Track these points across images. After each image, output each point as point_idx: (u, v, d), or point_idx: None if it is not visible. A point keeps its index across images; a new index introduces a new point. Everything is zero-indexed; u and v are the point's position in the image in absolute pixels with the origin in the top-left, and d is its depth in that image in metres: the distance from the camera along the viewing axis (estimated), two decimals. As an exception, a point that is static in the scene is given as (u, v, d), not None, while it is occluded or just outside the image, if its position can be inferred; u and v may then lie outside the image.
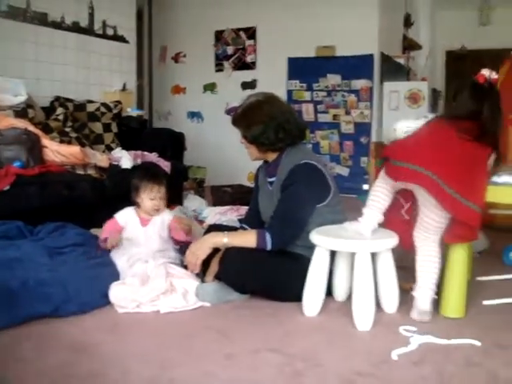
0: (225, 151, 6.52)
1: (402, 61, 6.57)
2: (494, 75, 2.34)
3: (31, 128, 3.50)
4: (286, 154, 2.52)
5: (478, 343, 2.02)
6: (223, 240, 2.38)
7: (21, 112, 3.68)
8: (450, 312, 2.31)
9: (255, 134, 2.47)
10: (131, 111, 5.08)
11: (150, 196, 2.67)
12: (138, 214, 2.72)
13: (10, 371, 1.77)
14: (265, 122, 2.45)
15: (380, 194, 2.41)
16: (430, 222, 2.31)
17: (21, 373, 1.76)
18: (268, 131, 2.45)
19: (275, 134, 2.45)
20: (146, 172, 2.87)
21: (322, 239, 2.26)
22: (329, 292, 2.43)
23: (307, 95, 6.35)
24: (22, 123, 3.48)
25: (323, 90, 6.25)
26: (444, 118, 2.42)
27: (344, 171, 6.21)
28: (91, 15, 4.95)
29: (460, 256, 2.30)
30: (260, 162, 2.73)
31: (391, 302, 2.36)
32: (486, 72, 2.33)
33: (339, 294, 2.50)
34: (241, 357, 1.89)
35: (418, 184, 2.22)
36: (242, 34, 6.65)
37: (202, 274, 2.57)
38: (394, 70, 6.33)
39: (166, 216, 2.75)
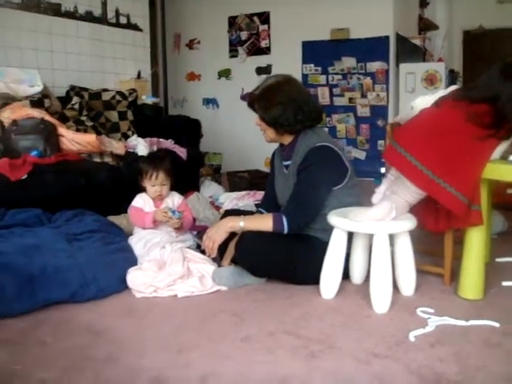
0: (241, 137, 6.50)
1: (417, 42, 6.47)
2: None
3: (47, 117, 3.51)
4: (302, 136, 2.48)
5: (496, 324, 2.00)
6: (239, 224, 2.37)
7: (37, 102, 3.70)
8: (468, 293, 2.28)
9: (275, 115, 2.42)
10: (146, 99, 5.08)
11: (151, 183, 2.72)
12: (149, 197, 2.78)
13: (29, 353, 1.79)
14: (284, 103, 2.40)
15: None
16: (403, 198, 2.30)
17: (40, 354, 1.78)
18: (287, 112, 2.41)
19: (294, 115, 2.41)
20: (147, 158, 2.94)
21: (340, 221, 2.24)
22: (346, 275, 2.41)
23: (322, 79, 6.28)
24: (38, 113, 3.50)
25: (338, 73, 6.18)
26: (459, 97, 2.36)
27: (361, 155, 6.15)
28: (104, 4, 4.93)
29: (477, 237, 2.26)
30: (275, 146, 2.71)
31: (409, 285, 2.34)
32: None
33: (356, 276, 2.48)
34: (257, 339, 1.89)
35: (398, 169, 2.24)
36: (255, 19, 6.59)
37: (218, 259, 2.58)
38: (409, 52, 6.23)
39: (176, 198, 2.85)
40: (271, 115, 2.43)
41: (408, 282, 2.33)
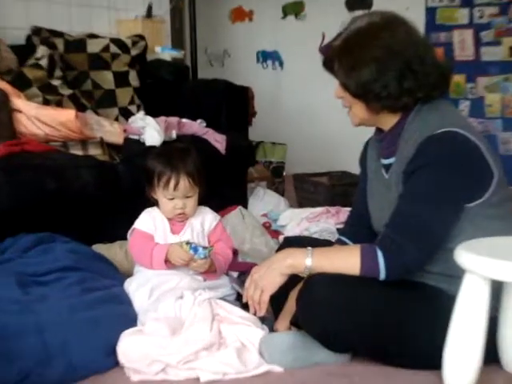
0: (319, 117, 6.53)
1: None
2: None
3: (-7, 81, 3.65)
4: (414, 116, 2.49)
5: None
6: (305, 262, 2.39)
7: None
8: None
9: (365, 79, 2.42)
10: (162, 52, 5.18)
11: (167, 194, 2.75)
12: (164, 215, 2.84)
13: None
14: (381, 60, 2.40)
15: None
16: None
17: None
18: (386, 75, 2.40)
19: (398, 80, 2.40)
20: (160, 153, 2.93)
21: (478, 260, 2.20)
22: (491, 357, 2.38)
23: (463, 15, 6.26)
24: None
25: (491, 3, 6.12)
26: None
27: (528, 146, 6.12)
28: None
29: None
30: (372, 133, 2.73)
31: None
32: None
33: (509, 359, 2.46)
34: None
35: None
36: None
37: (271, 318, 2.61)
38: None
39: (209, 218, 2.88)
40: (359, 80, 2.43)
41: None
